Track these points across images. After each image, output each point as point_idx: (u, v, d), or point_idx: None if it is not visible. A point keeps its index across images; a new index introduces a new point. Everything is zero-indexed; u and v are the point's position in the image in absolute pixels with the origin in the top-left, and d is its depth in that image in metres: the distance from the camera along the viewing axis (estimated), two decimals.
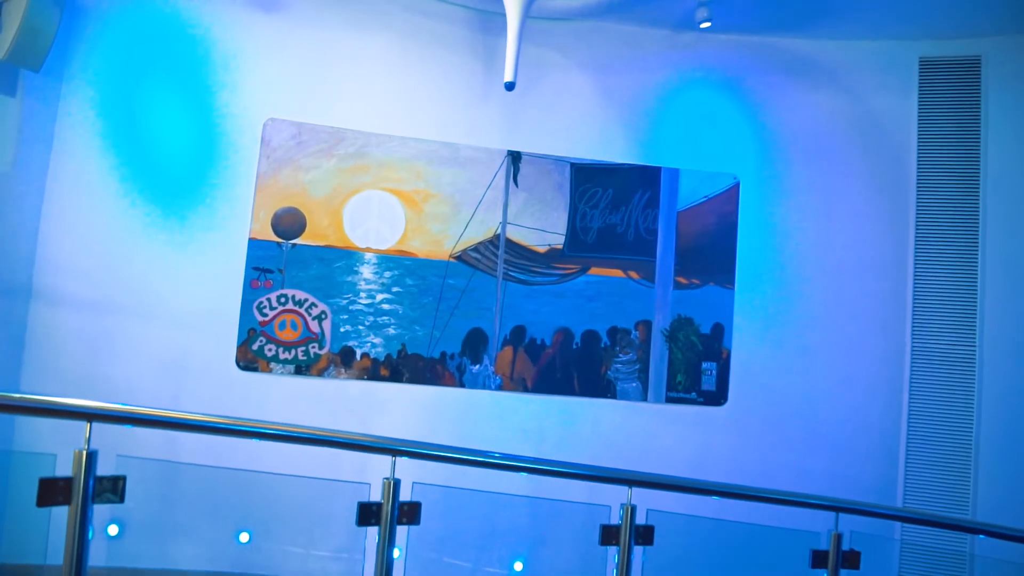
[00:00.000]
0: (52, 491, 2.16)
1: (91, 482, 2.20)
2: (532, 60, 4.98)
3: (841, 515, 3.43)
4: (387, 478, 2.63)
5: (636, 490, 3.05)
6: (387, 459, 2.63)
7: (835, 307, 5.13)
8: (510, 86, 4.03)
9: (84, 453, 2.20)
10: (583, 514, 3.16)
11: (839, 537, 3.35)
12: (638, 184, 5.11)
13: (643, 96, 5.17)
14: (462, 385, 4.84)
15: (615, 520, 3.04)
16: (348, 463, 3.94)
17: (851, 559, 3.35)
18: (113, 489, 2.22)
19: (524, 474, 2.97)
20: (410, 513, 2.70)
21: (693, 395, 5.04)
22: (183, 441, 4.18)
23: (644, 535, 3.06)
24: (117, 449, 4.10)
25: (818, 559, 3.34)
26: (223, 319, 4.64)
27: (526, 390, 4.91)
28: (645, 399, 5.01)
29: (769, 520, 4.39)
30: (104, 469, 2.27)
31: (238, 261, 4.67)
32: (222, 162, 4.72)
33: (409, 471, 2.82)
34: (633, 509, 3.02)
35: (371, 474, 2.71)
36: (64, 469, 2.21)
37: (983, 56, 4.99)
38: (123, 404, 2.29)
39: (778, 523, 4.41)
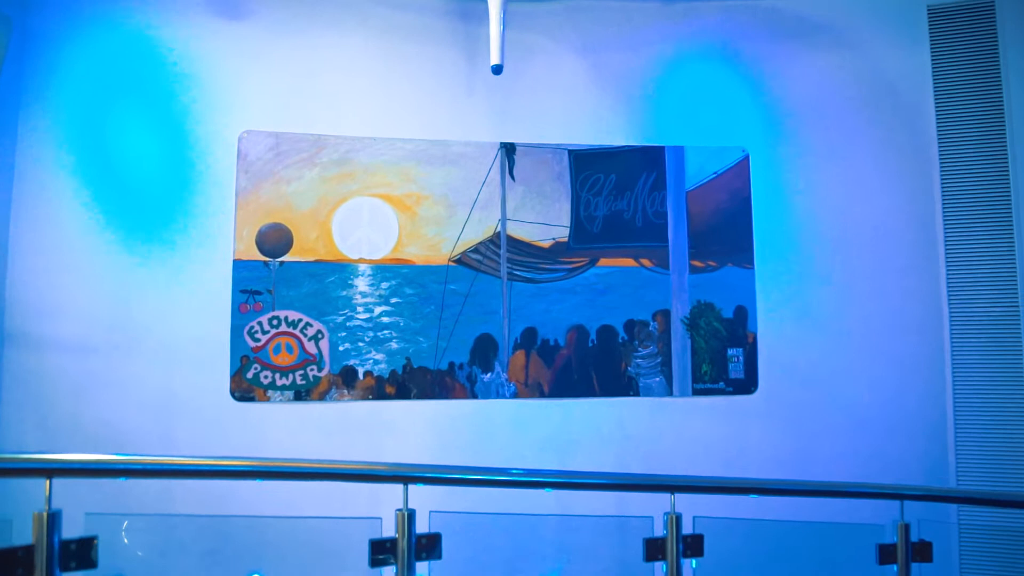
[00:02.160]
0: (11, 563, 1.85)
1: (56, 547, 1.88)
2: (517, 46, 4.68)
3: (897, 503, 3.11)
4: (400, 509, 2.31)
5: (679, 496, 2.73)
6: (398, 488, 2.32)
7: (863, 279, 4.81)
8: (497, 69, 3.73)
9: (45, 515, 1.88)
10: (623, 528, 2.84)
11: (907, 528, 3.02)
12: (642, 166, 4.80)
13: (638, 73, 4.87)
14: (474, 396, 4.52)
15: (659, 532, 2.72)
16: (359, 494, 3.61)
17: (922, 551, 3.02)
18: (82, 554, 1.90)
19: (550, 490, 2.65)
20: (429, 546, 2.38)
21: (721, 385, 4.72)
22: (176, 486, 3.86)
23: (693, 546, 2.74)
24: (105, 503, 3.80)
25: (886, 554, 3.01)
26: (213, 348, 4.33)
27: (543, 395, 4.58)
28: (670, 393, 4.69)
29: (815, 514, 4.07)
30: (74, 530, 1.95)
31: (224, 285, 4.36)
32: (198, 181, 4.42)
33: (425, 499, 2.51)
34: (678, 518, 2.70)
35: (383, 506, 2.39)
36: (23, 535, 1.89)
37: None
38: (86, 454, 1.98)
39: (827, 517, 4.10)
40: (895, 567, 3.03)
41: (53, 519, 1.87)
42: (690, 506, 2.82)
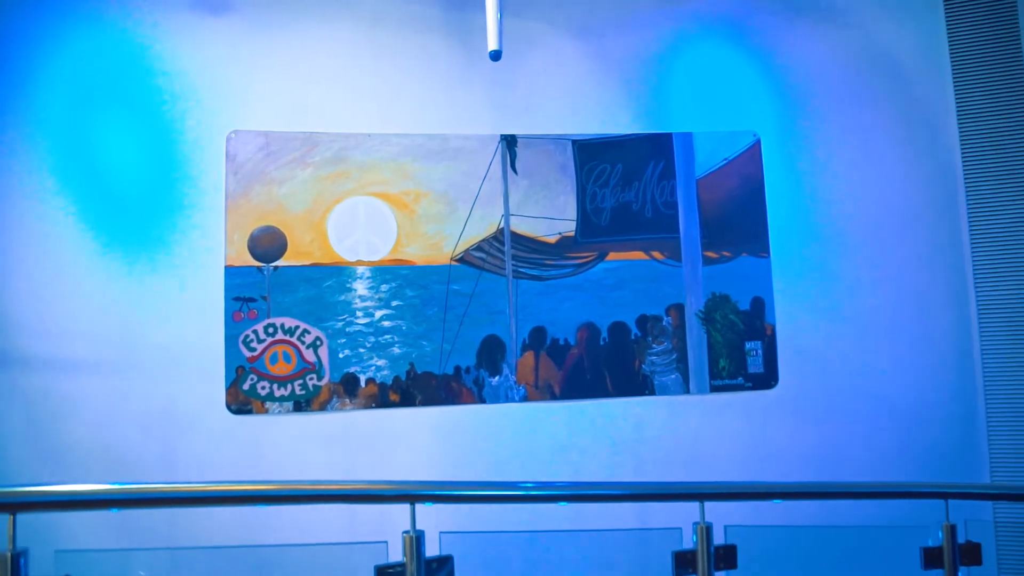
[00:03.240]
0: None
1: None
2: (515, 34, 4.45)
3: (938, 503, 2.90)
4: (407, 532, 2.10)
5: (708, 504, 2.52)
6: (405, 508, 2.11)
7: (884, 264, 4.59)
8: (496, 55, 3.51)
9: (9, 556, 1.68)
10: (648, 541, 2.63)
11: (953, 529, 2.81)
12: (649, 155, 4.59)
13: (642, 58, 4.65)
14: (482, 401, 4.31)
15: (688, 544, 2.51)
16: (365, 513, 3.43)
17: (970, 553, 2.81)
18: None
19: (567, 503, 2.44)
20: (440, 570, 2.17)
21: (740, 380, 4.51)
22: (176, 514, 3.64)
23: (725, 557, 2.53)
24: (99, 537, 3.60)
25: (931, 558, 2.80)
26: (207, 360, 4.12)
27: (554, 397, 4.37)
28: (687, 391, 4.47)
29: (843, 516, 3.87)
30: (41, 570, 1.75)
31: (216, 293, 4.16)
32: (185, 186, 4.21)
33: (434, 517, 2.31)
34: (708, 528, 2.49)
35: (389, 527, 2.19)
36: None
37: None
38: (55, 485, 1.77)
39: (858, 518, 3.89)
40: (941, 572, 2.82)
41: (17, 561, 1.66)
42: (714, 514, 2.62)
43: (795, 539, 2.75)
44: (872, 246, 4.61)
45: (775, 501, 2.63)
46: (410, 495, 2.08)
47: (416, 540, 2.10)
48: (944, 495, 2.80)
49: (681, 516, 2.67)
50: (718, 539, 2.47)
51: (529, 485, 2.35)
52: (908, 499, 2.77)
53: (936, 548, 2.80)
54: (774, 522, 3.66)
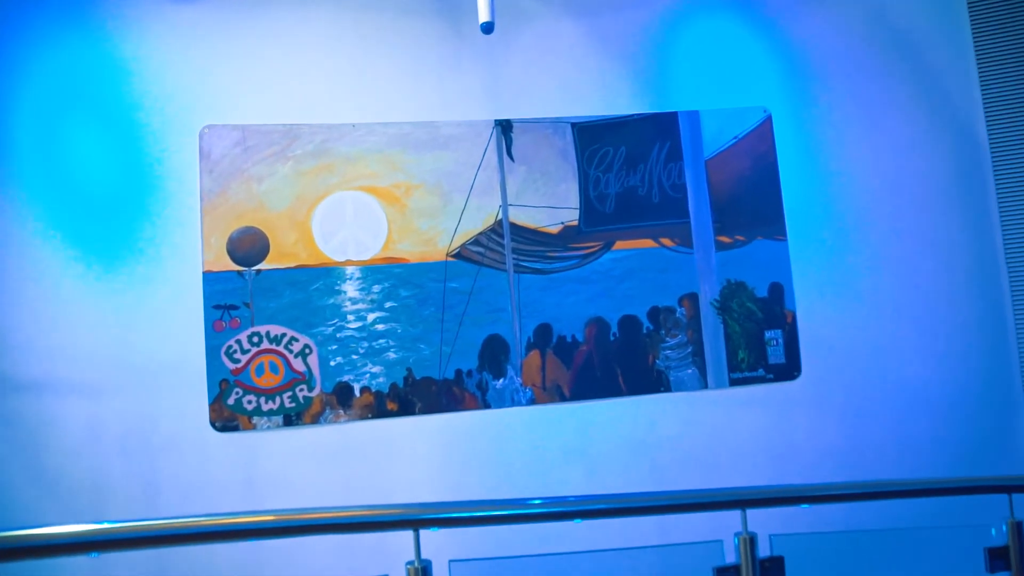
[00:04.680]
0: None
1: None
2: (507, 11, 4.15)
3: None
4: (410, 563, 1.80)
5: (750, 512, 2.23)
6: (408, 535, 1.80)
7: (908, 243, 4.31)
8: (488, 27, 3.22)
9: None
10: (685, 556, 2.34)
11: (1019, 526, 2.52)
12: (654, 136, 4.30)
13: (643, 32, 4.36)
14: (487, 406, 4.01)
15: (731, 558, 2.21)
16: (364, 543, 3.11)
17: None
18: None
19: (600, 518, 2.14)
20: None
21: (760, 372, 4.22)
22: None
23: (772, 570, 2.23)
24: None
25: (996, 557, 2.52)
26: (187, 374, 3.80)
27: (563, 399, 4.08)
28: (705, 386, 4.18)
29: (871, 518, 3.58)
30: None
31: (194, 301, 3.84)
32: (157, 188, 3.90)
33: (440, 541, 2.00)
34: (752, 539, 2.19)
35: (391, 558, 1.88)
36: None
37: None
38: (22, 530, 1.47)
39: (887, 521, 3.59)
40: (1008, 574, 2.54)
41: None
42: (766, 522, 2.32)
43: (848, 545, 2.46)
44: (895, 225, 4.33)
45: (803, 505, 2.33)
46: (414, 520, 1.78)
47: (422, 572, 1.79)
48: (1008, 489, 2.51)
49: (710, 526, 2.38)
50: (765, 552, 2.17)
51: (547, 503, 2.06)
52: (971, 495, 2.48)
53: (1001, 548, 2.52)
54: (801, 526, 3.37)
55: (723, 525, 2.38)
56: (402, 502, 1.98)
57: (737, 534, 2.19)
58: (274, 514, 1.81)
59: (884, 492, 2.37)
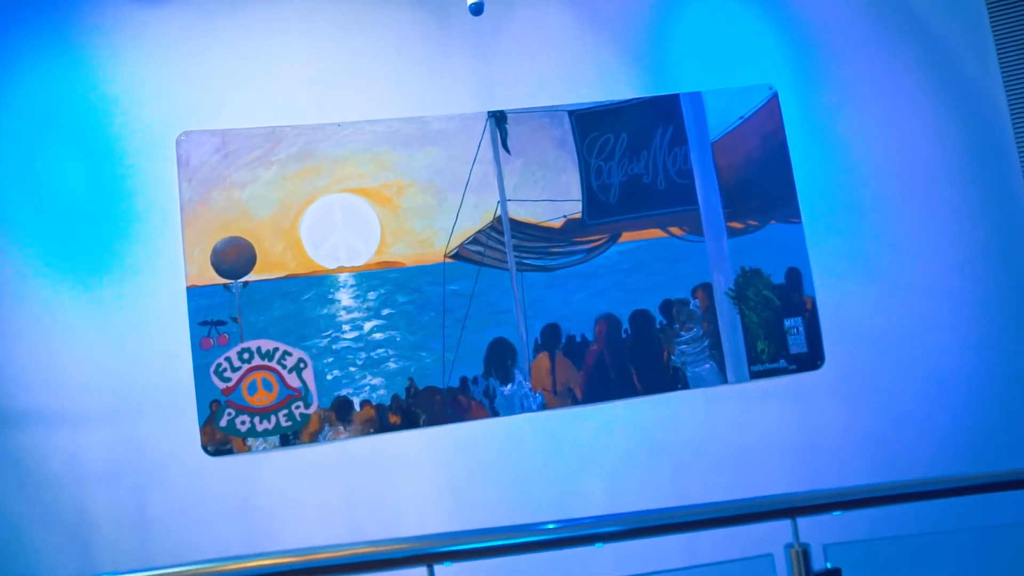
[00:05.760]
0: None
1: None
2: None
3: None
4: None
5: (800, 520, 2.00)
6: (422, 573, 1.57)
7: (931, 218, 4.10)
8: (477, 8, 3.00)
9: None
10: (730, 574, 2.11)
11: None
12: (656, 120, 4.08)
13: (639, 12, 4.14)
14: (495, 414, 3.78)
15: (782, 574, 1.98)
16: None
17: None
18: None
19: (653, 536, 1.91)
20: None
21: (782, 363, 3.99)
22: None
23: None
24: None
25: None
26: (175, 396, 3.56)
27: (576, 402, 3.85)
28: (725, 381, 3.96)
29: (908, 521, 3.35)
30: None
31: (178, 319, 3.60)
32: (133, 201, 3.66)
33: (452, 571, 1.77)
34: (805, 552, 1.96)
35: None
36: None
37: None
38: None
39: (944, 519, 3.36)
40: None
41: None
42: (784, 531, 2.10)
43: (899, 551, 2.23)
44: (914, 200, 4.11)
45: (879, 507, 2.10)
46: (426, 555, 1.55)
47: None
48: None
49: (751, 538, 2.16)
50: (820, 565, 1.94)
51: (587, 522, 1.83)
52: None
53: None
54: (838, 530, 3.15)
55: (761, 537, 2.16)
56: (413, 534, 1.75)
57: (787, 546, 1.96)
58: (275, 557, 1.58)
59: (960, 488, 2.12)
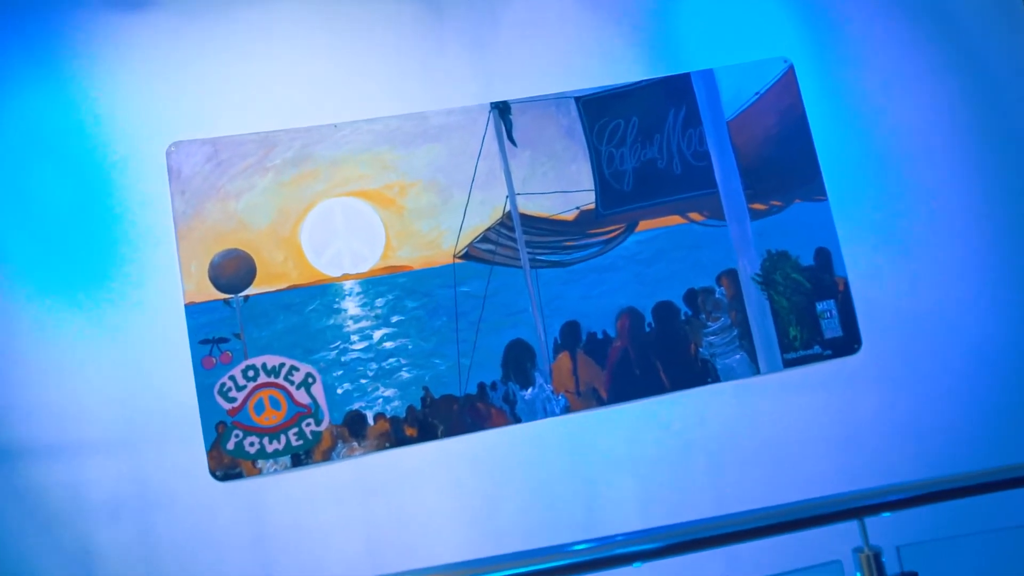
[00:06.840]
0: None
1: None
2: None
3: None
4: None
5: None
6: None
7: (966, 188, 3.87)
8: None
9: None
10: None
11: None
12: (668, 101, 3.88)
13: None
14: (516, 420, 3.57)
15: None
16: None
17: None
18: None
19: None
20: None
21: (816, 349, 3.77)
22: None
23: None
24: None
25: None
26: (179, 420, 3.38)
27: (601, 403, 3.63)
28: (757, 372, 3.73)
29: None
30: None
31: (178, 338, 3.42)
32: (125, 218, 3.49)
33: None
34: (877, 557, 1.75)
35: None
36: None
37: None
38: None
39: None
40: None
41: None
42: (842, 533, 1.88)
43: (977, 550, 2.00)
44: (944, 169, 3.89)
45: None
46: None
47: None
48: None
49: (790, 547, 1.95)
50: (894, 570, 1.72)
51: (601, 543, 1.62)
52: None
53: None
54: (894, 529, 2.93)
55: (812, 542, 1.95)
56: (438, 564, 1.54)
57: (856, 550, 1.74)
58: None
59: None
